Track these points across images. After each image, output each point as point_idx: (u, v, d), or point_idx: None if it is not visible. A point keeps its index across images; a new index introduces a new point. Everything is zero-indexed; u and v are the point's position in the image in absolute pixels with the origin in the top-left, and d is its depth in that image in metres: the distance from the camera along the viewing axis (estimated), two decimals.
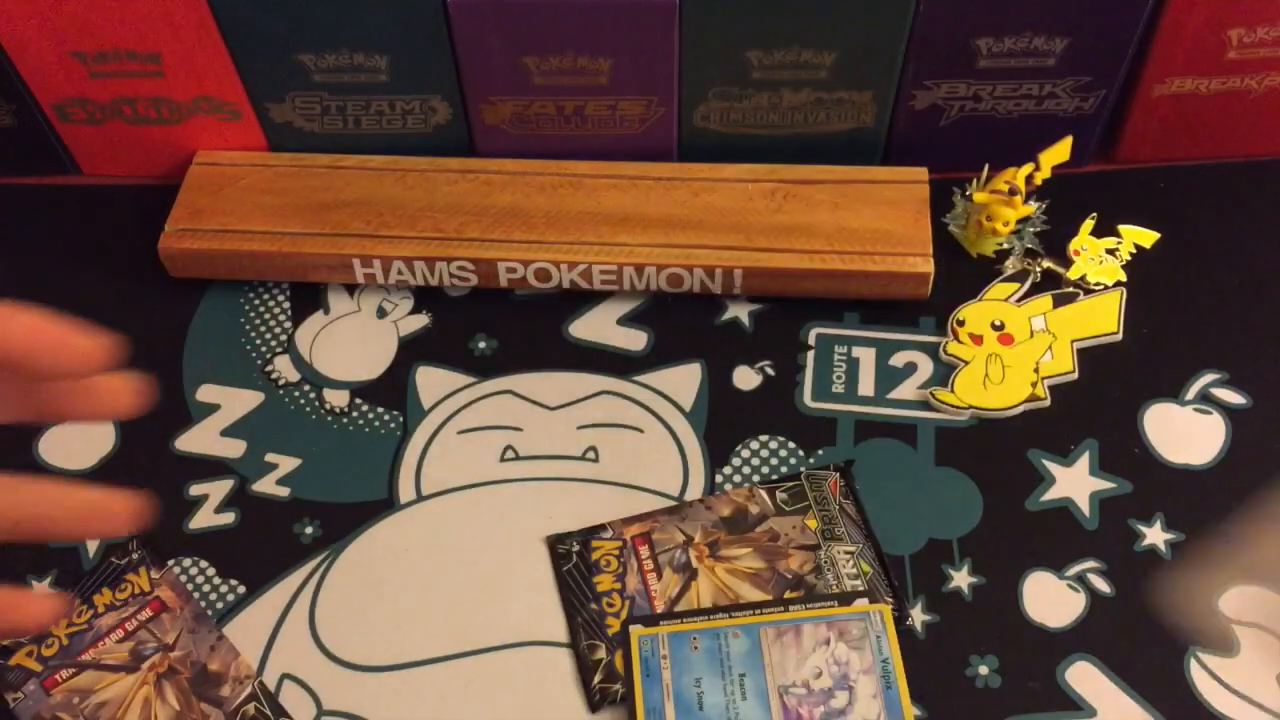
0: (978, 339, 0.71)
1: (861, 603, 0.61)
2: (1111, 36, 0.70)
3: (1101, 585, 0.63)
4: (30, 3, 0.70)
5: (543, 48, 0.71)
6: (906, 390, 0.70)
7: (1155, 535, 0.65)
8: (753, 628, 0.60)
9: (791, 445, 0.68)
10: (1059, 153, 0.73)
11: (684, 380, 0.71)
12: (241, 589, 0.65)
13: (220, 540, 0.66)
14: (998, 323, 0.72)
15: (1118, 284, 0.73)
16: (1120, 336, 0.72)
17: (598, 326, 0.74)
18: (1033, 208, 0.76)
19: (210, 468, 0.69)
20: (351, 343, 0.74)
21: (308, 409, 0.71)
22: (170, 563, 0.66)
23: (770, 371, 0.72)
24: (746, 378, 0.71)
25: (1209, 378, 0.70)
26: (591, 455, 0.69)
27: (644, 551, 0.64)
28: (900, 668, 0.59)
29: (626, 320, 0.74)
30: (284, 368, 0.73)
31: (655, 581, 0.63)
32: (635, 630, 0.61)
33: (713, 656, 0.59)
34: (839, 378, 0.71)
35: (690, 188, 0.75)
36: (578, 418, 0.70)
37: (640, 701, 0.58)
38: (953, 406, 0.69)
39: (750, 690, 0.58)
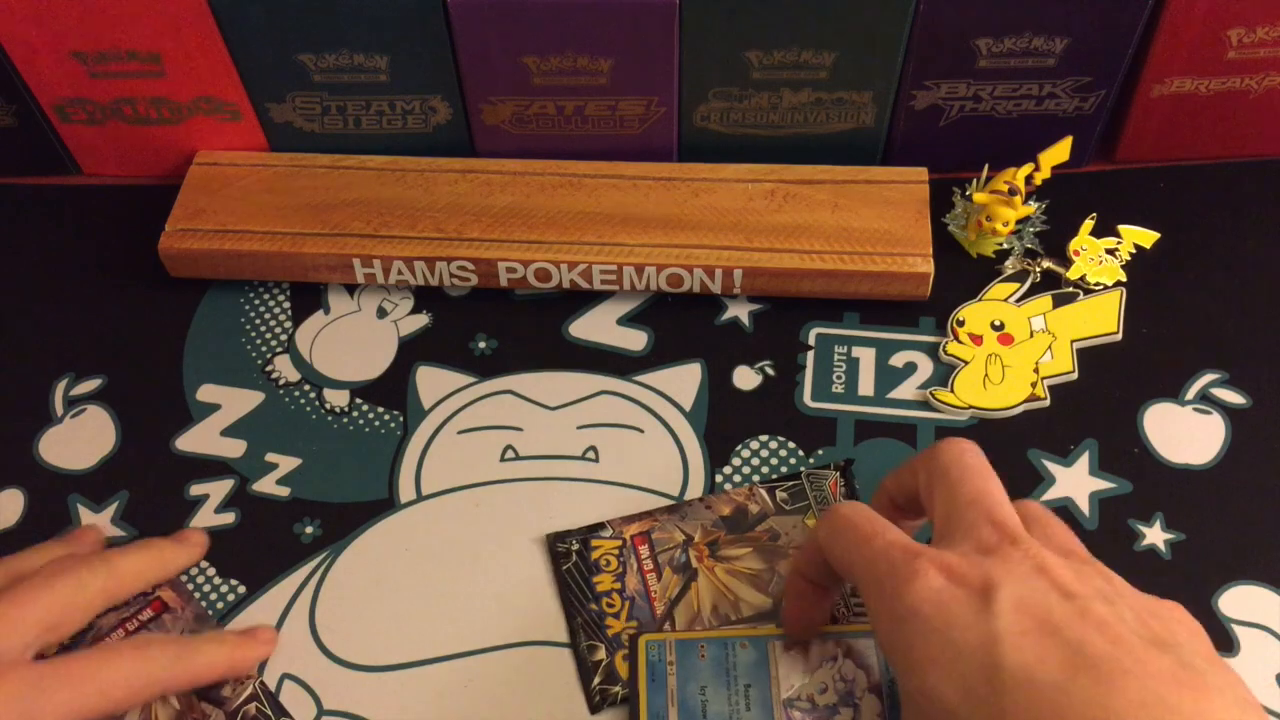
0: (977, 339, 0.71)
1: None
2: (1111, 36, 0.70)
3: None
4: (30, 3, 0.70)
5: (543, 48, 0.71)
6: (906, 390, 0.70)
7: (1155, 535, 0.65)
8: (761, 640, 0.60)
9: (791, 445, 0.68)
10: (1059, 153, 0.73)
11: (684, 380, 0.71)
12: (242, 589, 0.65)
13: (220, 540, 0.66)
14: (997, 323, 0.72)
15: (1117, 284, 0.73)
16: (1120, 336, 0.72)
17: (598, 326, 0.74)
18: (1032, 208, 0.76)
19: (210, 468, 0.69)
20: (351, 343, 0.74)
21: (308, 409, 0.71)
22: None
23: (770, 371, 0.72)
24: (746, 378, 0.71)
25: (1209, 378, 0.70)
26: (591, 455, 0.69)
27: (644, 551, 0.64)
28: None
29: (626, 320, 0.74)
30: (284, 368, 0.73)
31: (655, 581, 0.63)
32: (643, 636, 0.61)
33: (719, 666, 0.59)
34: (839, 378, 0.71)
35: (690, 188, 0.75)
36: (578, 418, 0.70)
37: (644, 706, 0.58)
38: (952, 406, 0.69)
39: (755, 701, 0.58)
